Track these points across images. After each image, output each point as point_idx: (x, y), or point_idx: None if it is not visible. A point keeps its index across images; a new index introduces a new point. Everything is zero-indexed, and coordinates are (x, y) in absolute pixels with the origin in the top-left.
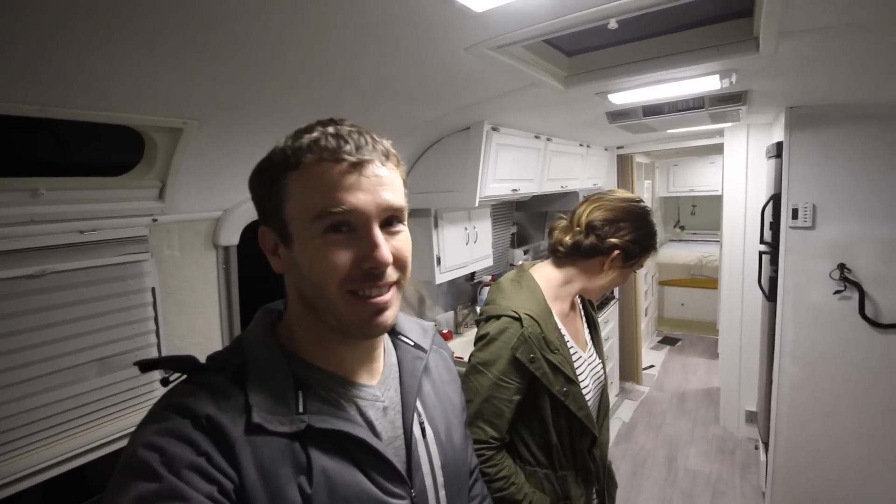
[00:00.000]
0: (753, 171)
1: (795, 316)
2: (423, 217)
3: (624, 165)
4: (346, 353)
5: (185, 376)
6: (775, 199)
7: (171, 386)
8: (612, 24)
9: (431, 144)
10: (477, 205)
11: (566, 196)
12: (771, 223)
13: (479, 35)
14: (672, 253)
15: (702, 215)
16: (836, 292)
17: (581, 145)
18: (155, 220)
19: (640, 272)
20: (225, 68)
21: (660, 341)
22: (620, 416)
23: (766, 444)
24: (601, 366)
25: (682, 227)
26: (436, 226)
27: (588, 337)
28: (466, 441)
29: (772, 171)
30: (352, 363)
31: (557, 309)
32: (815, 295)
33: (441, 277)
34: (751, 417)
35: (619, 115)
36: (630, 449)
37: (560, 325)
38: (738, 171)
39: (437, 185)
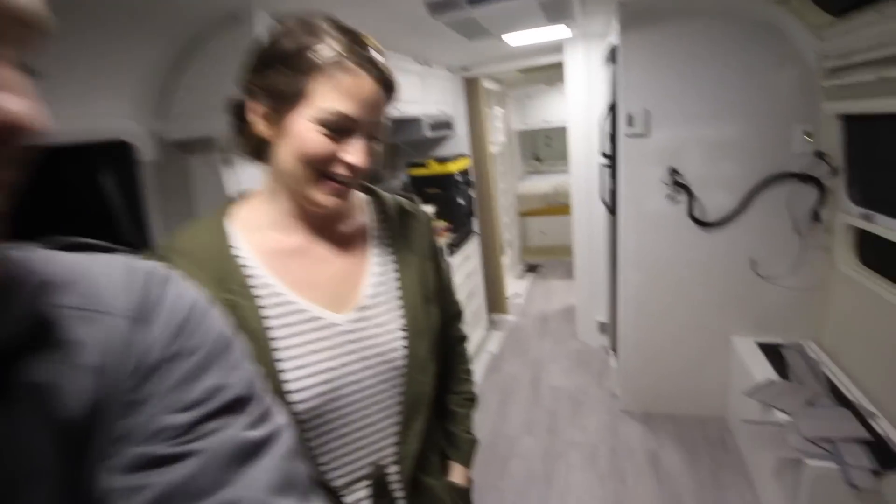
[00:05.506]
0: (594, 89)
1: (635, 225)
2: (207, 151)
3: (472, 90)
4: None
5: None
6: (612, 109)
7: None
8: None
9: (194, 49)
10: None
11: (409, 124)
12: (610, 134)
13: None
14: (531, 185)
15: (557, 147)
16: (668, 197)
17: (418, 62)
18: None
19: (501, 204)
20: None
21: (525, 270)
22: (489, 348)
23: (615, 350)
24: (403, 342)
25: (540, 160)
26: (228, 163)
27: (374, 292)
28: None
29: (609, 79)
30: None
31: (271, 242)
32: (650, 202)
33: None
34: (603, 328)
35: (439, 5)
36: (498, 379)
37: (255, 264)
38: (580, 88)
39: (215, 104)
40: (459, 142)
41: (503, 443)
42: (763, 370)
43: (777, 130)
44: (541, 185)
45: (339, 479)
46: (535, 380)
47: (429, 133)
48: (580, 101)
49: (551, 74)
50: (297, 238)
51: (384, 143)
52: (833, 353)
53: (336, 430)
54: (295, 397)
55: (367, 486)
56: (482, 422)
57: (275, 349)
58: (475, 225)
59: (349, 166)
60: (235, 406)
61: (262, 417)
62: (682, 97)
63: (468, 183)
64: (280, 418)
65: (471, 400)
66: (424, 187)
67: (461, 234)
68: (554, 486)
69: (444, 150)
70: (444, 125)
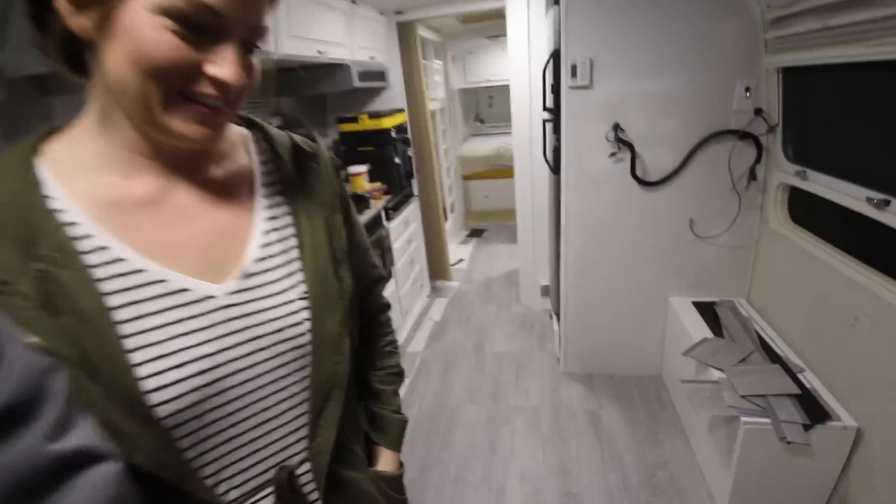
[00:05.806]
0: (537, 40)
1: (578, 185)
2: (72, 90)
3: (407, 37)
4: None
5: None
6: (555, 57)
7: None
8: None
9: None
10: None
11: (335, 71)
12: (553, 86)
13: None
14: (473, 147)
15: (500, 107)
16: (612, 155)
17: None
18: None
19: (443, 166)
20: None
21: (468, 235)
22: (432, 316)
23: (558, 314)
24: (306, 314)
25: (482, 121)
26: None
27: (263, 254)
28: None
29: (552, 25)
30: None
31: (107, 188)
32: (594, 160)
33: None
34: (546, 291)
35: None
36: (441, 347)
37: (83, 220)
38: (522, 37)
39: None
40: (395, 96)
41: (447, 413)
42: (698, 329)
43: (720, 86)
44: (484, 147)
45: (233, 492)
46: (479, 346)
47: (358, 83)
48: (522, 53)
49: (493, 26)
50: (146, 183)
51: (268, 59)
52: (762, 309)
53: (222, 433)
54: (156, 397)
55: (271, 493)
56: (425, 393)
57: (121, 336)
58: (414, 187)
59: (218, 83)
60: (12, 417)
61: (63, 426)
62: (627, 46)
63: (405, 141)
64: (91, 432)
65: (397, 374)
66: (357, 145)
67: (400, 196)
68: (498, 454)
69: (378, 104)
70: (375, 75)
